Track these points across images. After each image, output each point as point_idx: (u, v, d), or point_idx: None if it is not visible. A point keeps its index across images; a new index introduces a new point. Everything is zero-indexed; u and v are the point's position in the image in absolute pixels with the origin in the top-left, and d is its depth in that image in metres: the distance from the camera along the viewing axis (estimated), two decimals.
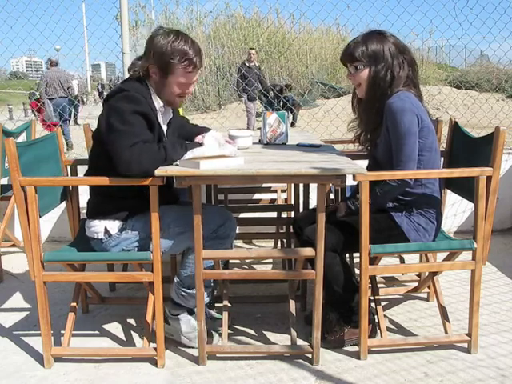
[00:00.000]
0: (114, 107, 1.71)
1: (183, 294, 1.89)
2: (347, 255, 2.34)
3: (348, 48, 1.90)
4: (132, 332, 2.10)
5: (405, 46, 1.90)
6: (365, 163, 2.07)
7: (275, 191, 2.98)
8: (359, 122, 2.03)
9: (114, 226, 1.81)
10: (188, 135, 2.06)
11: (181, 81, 1.78)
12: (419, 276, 2.37)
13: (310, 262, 1.86)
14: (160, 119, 1.85)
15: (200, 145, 1.79)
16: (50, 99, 7.70)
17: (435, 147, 1.89)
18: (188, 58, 1.75)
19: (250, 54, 9.29)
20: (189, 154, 1.69)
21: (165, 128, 1.90)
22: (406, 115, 1.77)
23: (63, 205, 2.16)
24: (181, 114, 2.47)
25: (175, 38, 1.74)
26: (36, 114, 8.19)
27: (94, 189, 1.88)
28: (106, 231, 1.81)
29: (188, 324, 1.94)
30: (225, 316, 2.01)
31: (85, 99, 17.39)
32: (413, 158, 1.79)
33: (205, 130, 2.10)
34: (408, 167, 1.79)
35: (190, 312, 1.95)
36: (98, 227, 1.81)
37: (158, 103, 1.82)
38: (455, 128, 2.19)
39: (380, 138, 1.90)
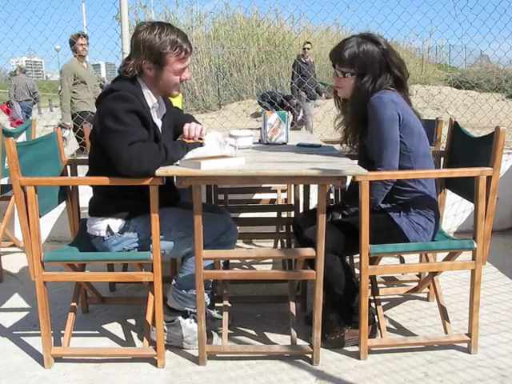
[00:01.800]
0: (107, 108, 1.71)
1: (180, 296, 1.88)
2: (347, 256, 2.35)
3: (341, 48, 1.85)
4: (132, 332, 2.10)
5: (394, 53, 1.87)
6: None
7: (275, 191, 2.98)
8: (345, 118, 2.01)
9: (116, 224, 1.81)
10: (180, 125, 2.02)
11: (176, 68, 1.77)
12: (419, 276, 2.37)
13: (310, 263, 1.86)
14: (154, 115, 1.84)
15: (201, 145, 1.79)
16: (17, 101, 8.58)
17: (423, 151, 1.87)
18: (178, 45, 1.75)
19: (304, 48, 8.57)
20: (190, 155, 1.69)
21: (159, 123, 1.89)
22: (391, 120, 1.78)
23: (63, 205, 2.16)
24: (180, 107, 2.48)
25: (160, 29, 1.74)
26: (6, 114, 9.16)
27: (96, 189, 1.88)
28: (109, 229, 1.81)
29: (185, 328, 1.93)
30: (225, 316, 2.01)
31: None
32: (393, 162, 1.79)
33: (192, 120, 2.05)
34: (388, 156, 1.79)
35: (185, 315, 1.95)
36: (101, 225, 1.82)
37: (151, 100, 1.82)
38: (455, 128, 2.19)
39: (368, 139, 1.89)
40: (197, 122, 2.07)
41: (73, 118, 4.64)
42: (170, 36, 1.74)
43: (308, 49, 8.60)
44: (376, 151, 1.82)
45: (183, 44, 1.76)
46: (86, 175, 1.91)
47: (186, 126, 1.89)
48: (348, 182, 1.81)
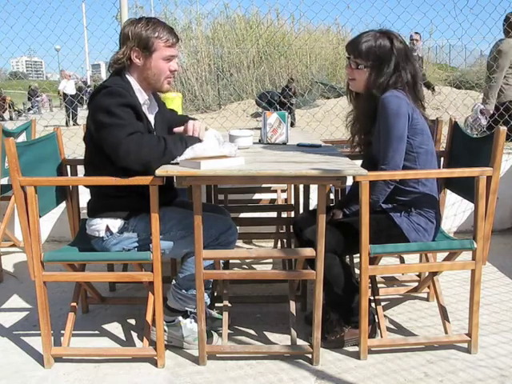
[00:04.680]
0: (99, 104, 1.70)
1: (180, 296, 1.88)
2: (347, 256, 2.34)
3: (358, 40, 1.86)
4: (132, 332, 2.10)
5: (410, 54, 1.87)
6: None
7: (275, 191, 2.98)
8: (354, 113, 2.02)
9: (115, 224, 1.80)
10: (176, 125, 2.02)
11: (165, 54, 1.79)
12: (419, 276, 2.38)
13: (310, 263, 1.86)
14: (146, 112, 1.84)
15: (199, 140, 1.79)
16: None
17: (431, 150, 1.88)
18: (165, 34, 1.79)
19: (412, 39, 7.08)
20: (189, 150, 1.68)
21: (152, 119, 1.89)
22: (400, 119, 1.78)
23: (63, 205, 2.16)
24: (180, 107, 2.48)
25: (147, 21, 1.79)
26: None
27: (93, 189, 1.88)
28: (108, 229, 1.80)
29: (185, 328, 1.93)
30: (225, 316, 2.01)
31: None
32: (399, 162, 1.80)
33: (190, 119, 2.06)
34: (395, 155, 1.79)
35: (185, 316, 1.95)
36: (100, 225, 1.81)
37: (142, 97, 1.82)
38: (455, 128, 2.19)
39: (374, 136, 1.89)
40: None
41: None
42: (157, 27, 1.78)
43: (417, 40, 7.07)
44: (383, 149, 1.82)
45: (169, 34, 1.80)
46: (84, 176, 1.91)
47: (191, 123, 1.89)
48: (349, 183, 1.81)
